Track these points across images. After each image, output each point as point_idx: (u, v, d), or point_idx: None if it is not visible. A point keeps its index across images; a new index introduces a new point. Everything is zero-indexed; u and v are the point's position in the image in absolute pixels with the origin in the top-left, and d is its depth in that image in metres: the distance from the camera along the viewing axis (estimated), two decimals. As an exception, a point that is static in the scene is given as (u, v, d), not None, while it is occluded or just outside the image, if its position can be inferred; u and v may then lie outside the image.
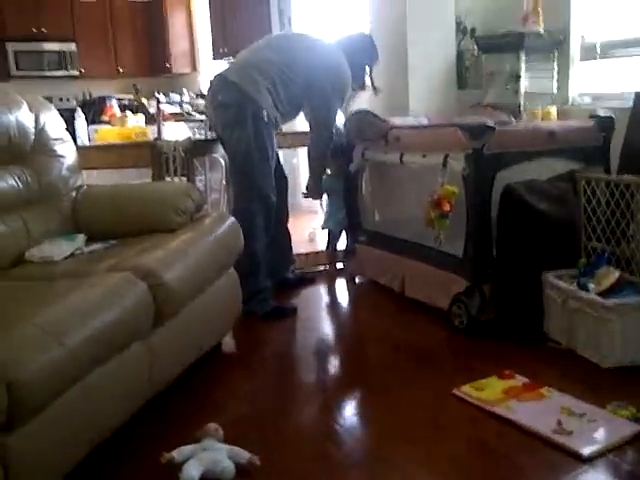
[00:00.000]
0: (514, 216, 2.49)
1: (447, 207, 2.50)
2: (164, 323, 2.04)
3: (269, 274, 3.03)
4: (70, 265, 2.24)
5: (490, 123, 2.52)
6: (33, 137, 2.56)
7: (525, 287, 2.52)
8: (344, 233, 3.53)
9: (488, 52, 3.50)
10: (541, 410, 1.94)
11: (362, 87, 3.32)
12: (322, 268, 3.63)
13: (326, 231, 3.61)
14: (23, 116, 2.51)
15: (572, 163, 2.68)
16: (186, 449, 1.74)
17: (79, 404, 1.64)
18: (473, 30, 3.78)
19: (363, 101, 3.57)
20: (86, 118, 4.45)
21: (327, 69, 3.05)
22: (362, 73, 3.25)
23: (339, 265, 3.62)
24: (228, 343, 2.68)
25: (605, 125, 2.73)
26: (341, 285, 3.48)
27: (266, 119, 2.95)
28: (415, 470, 1.74)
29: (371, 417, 2.08)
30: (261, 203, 2.97)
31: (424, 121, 3.30)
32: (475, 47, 3.67)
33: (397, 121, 3.11)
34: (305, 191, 3.39)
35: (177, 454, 1.71)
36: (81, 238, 2.46)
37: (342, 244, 3.58)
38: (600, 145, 2.74)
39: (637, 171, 2.52)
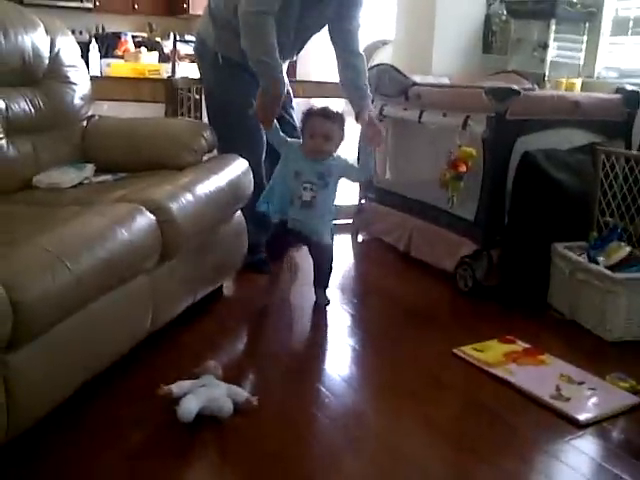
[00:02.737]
0: (530, 183, 2.46)
1: (463, 168, 2.46)
2: (170, 259, 2.02)
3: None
4: (78, 193, 2.21)
5: (515, 87, 2.47)
6: (47, 61, 2.50)
7: (533, 256, 2.51)
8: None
9: (517, 17, 3.42)
10: (540, 375, 1.95)
11: None
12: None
13: None
14: (39, 39, 2.45)
15: (593, 136, 2.65)
16: (185, 384, 1.73)
17: (81, 331, 1.63)
18: (504, -6, 3.69)
19: (385, 56, 3.50)
20: (99, 52, 4.38)
21: None
22: None
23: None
24: (230, 287, 2.67)
25: (631, 99, 2.68)
26: (345, 241, 3.46)
27: (227, 66, 2.59)
28: (411, 423, 1.75)
29: (369, 370, 2.09)
30: None
31: (445, 82, 3.23)
32: (504, 11, 3.58)
33: (418, 79, 3.05)
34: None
35: (175, 388, 1.71)
36: (90, 168, 2.43)
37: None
38: (623, 120, 2.70)
39: (659, 148, 2.49)
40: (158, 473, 1.49)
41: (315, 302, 2.49)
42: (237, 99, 2.55)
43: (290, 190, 2.31)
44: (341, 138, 2.29)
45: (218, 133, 2.59)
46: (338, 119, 2.26)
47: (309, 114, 2.29)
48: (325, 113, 2.27)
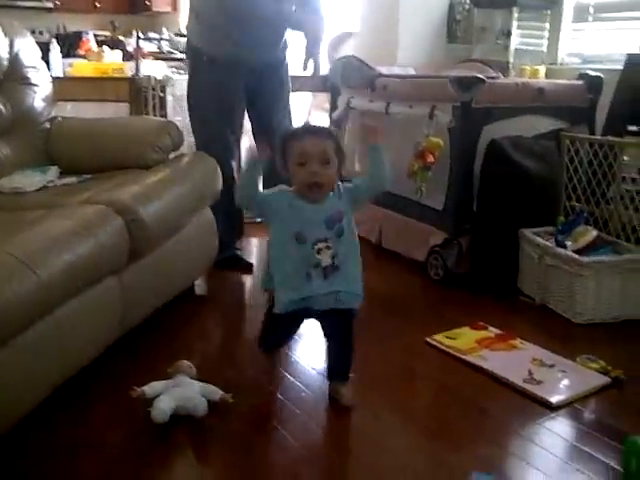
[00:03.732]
0: (497, 171, 2.48)
1: (431, 159, 2.47)
2: (139, 260, 2.01)
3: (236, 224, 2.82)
4: (42, 197, 2.18)
5: (480, 76, 2.49)
6: (7, 64, 2.47)
7: (502, 243, 2.53)
8: None
9: (480, 6, 3.45)
10: (512, 360, 1.97)
11: None
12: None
13: None
14: (-4, 40, 2.41)
15: (558, 122, 2.68)
16: (158, 384, 1.72)
17: (50, 336, 1.61)
18: (466, -17, 3.71)
19: (350, 48, 3.49)
20: (61, 52, 4.29)
21: None
22: None
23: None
24: (201, 286, 2.65)
25: (594, 85, 2.72)
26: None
27: (210, 63, 2.54)
28: (387, 413, 1.75)
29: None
30: None
31: (411, 72, 3.24)
32: (467, 0, 3.61)
33: (384, 70, 3.05)
34: None
35: (149, 389, 1.69)
36: (54, 170, 2.40)
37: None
38: (587, 105, 2.73)
39: (621, 133, 2.52)
40: (135, 475, 1.48)
41: (330, 399, 1.77)
42: (220, 100, 2.55)
43: (299, 263, 1.64)
44: (341, 159, 1.65)
45: (195, 131, 2.62)
46: (331, 135, 1.66)
47: (292, 136, 1.66)
48: (313, 129, 1.69)
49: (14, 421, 1.50)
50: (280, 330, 1.80)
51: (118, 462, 1.53)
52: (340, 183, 1.69)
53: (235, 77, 2.58)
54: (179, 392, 1.69)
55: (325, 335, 1.78)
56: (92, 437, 1.61)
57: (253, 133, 2.78)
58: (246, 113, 2.73)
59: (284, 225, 1.64)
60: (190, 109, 2.72)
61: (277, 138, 1.70)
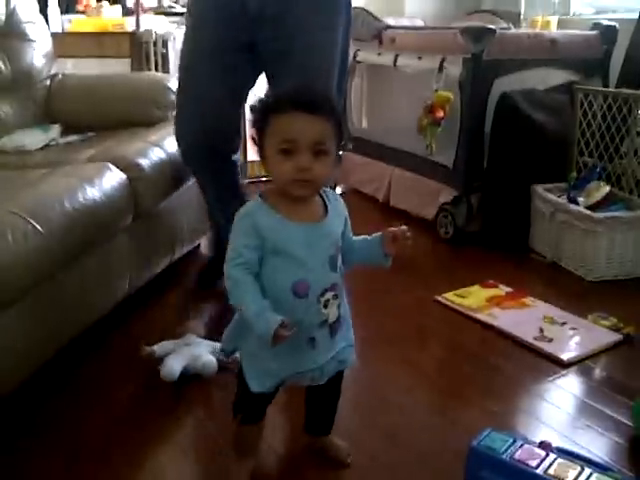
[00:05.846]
0: (509, 126, 2.42)
1: (440, 114, 2.42)
2: (145, 217, 1.98)
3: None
4: (45, 155, 2.15)
5: (491, 26, 2.41)
6: (3, 19, 2.41)
7: (513, 199, 2.49)
8: None
9: (490, -46, 3.33)
10: (523, 318, 1.95)
11: None
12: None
13: None
14: (-8, -6, 2.34)
15: (571, 74, 2.61)
16: (167, 344, 1.72)
17: (58, 295, 1.60)
18: None
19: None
20: (58, 7, 4.20)
21: None
22: None
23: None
24: (207, 245, 2.62)
25: (608, 36, 2.63)
26: (324, 193, 3.42)
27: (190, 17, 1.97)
28: (397, 371, 1.75)
29: (352, 320, 2.07)
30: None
31: (420, 23, 3.16)
32: (477, -52, 3.49)
33: (392, 21, 2.97)
34: None
35: (158, 348, 1.69)
36: (56, 128, 2.37)
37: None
38: (601, 57, 2.66)
39: (637, 85, 2.45)
40: (145, 432, 1.48)
41: (325, 456, 1.38)
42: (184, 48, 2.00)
43: (298, 326, 1.10)
44: (337, 148, 1.16)
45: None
46: (332, 111, 1.12)
47: (274, 108, 1.10)
48: (307, 101, 1.09)
49: (23, 378, 1.49)
50: (260, 405, 1.27)
51: (126, 420, 1.53)
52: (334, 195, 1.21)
53: (211, 25, 1.85)
54: (189, 351, 1.68)
55: (311, 396, 1.33)
56: (100, 396, 1.61)
57: None
58: None
59: (273, 273, 1.12)
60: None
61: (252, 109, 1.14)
